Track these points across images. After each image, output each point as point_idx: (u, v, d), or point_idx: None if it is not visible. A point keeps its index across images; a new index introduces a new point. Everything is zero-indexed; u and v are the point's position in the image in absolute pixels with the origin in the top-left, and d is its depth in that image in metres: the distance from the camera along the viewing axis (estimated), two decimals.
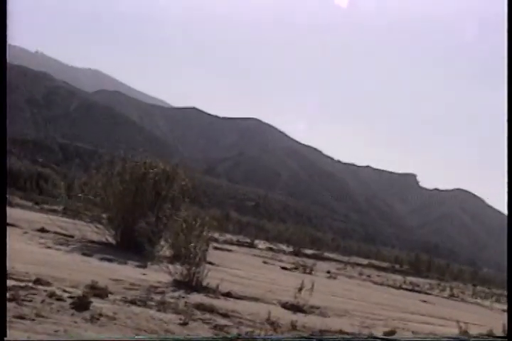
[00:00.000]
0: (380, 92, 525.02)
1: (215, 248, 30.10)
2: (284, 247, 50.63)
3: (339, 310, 12.92)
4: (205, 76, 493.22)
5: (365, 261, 66.37)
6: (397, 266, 73.76)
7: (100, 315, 6.51)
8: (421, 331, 12.03)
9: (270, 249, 45.01)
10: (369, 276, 35.58)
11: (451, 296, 33.43)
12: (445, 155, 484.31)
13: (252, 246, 42.53)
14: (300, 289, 11.75)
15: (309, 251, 52.03)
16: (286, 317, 9.54)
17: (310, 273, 24.67)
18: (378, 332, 9.87)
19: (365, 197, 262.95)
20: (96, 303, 7.01)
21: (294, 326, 8.72)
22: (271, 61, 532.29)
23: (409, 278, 44.98)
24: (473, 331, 13.22)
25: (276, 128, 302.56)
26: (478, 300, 33.95)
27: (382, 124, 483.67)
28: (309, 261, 35.56)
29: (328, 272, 28.97)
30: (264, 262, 27.07)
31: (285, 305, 11.40)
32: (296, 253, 42.90)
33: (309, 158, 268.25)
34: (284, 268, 24.98)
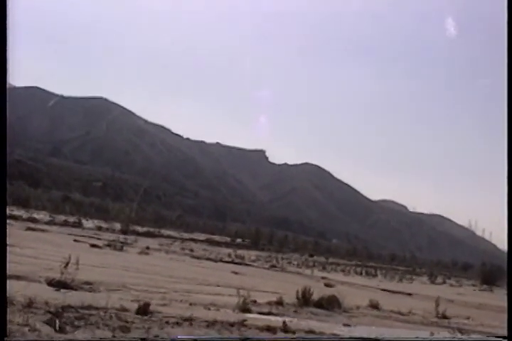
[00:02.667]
0: (226, 67, 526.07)
1: (28, 228, 29.42)
2: (118, 226, 50.06)
3: (117, 285, 12.71)
4: (46, 54, 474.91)
5: (206, 237, 66.97)
6: (239, 241, 74.90)
7: None
8: (199, 302, 11.99)
9: (99, 228, 44.40)
10: (192, 250, 35.80)
11: (273, 267, 34.36)
12: (293, 129, 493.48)
13: (79, 226, 41.81)
14: (66, 264, 11.39)
15: (143, 229, 51.79)
16: (42, 294, 9.21)
17: (120, 250, 24.50)
18: (138, 304, 9.68)
19: (216, 174, 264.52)
20: None
21: (30, 303, 8.37)
22: (113, 39, 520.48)
23: (241, 252, 45.81)
24: (261, 299, 13.39)
25: (123, 107, 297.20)
26: (300, 270, 35.02)
27: (230, 101, 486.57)
28: (133, 238, 35.40)
29: (148, 248, 28.85)
30: (76, 240, 26.57)
31: (51, 282, 11.07)
32: (124, 232, 42.52)
33: (158, 137, 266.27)
34: (94, 245, 24.58)
